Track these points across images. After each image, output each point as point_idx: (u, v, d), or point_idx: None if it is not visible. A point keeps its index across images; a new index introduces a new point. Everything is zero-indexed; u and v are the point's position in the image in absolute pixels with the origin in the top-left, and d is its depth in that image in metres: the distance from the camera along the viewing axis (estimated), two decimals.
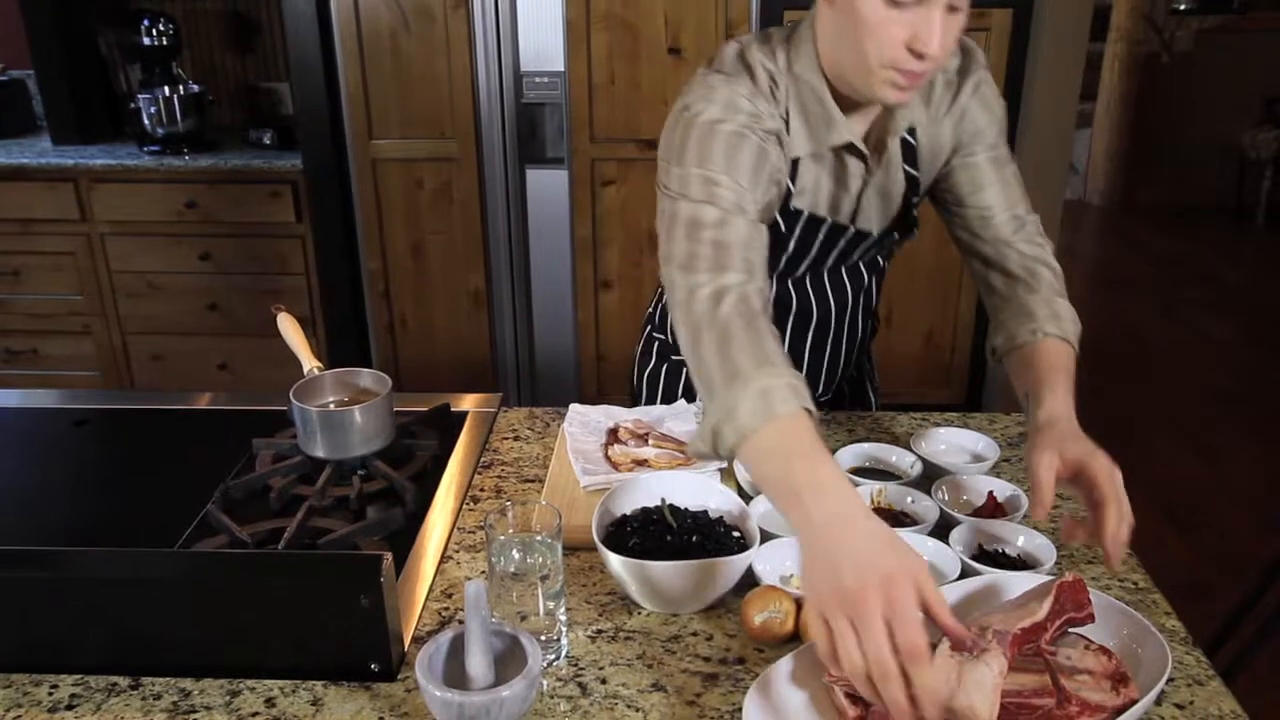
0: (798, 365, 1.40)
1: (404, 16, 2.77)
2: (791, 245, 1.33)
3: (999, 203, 1.31)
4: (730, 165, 1.14)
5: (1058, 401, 1.15)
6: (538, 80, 2.81)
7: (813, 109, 1.21)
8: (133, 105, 3.22)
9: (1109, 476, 1.04)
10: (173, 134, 3.16)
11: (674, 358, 1.56)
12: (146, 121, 3.16)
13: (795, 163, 1.24)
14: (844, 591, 0.82)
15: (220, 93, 3.57)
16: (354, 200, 2.97)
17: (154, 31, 3.23)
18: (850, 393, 1.64)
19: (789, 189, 1.26)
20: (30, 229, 3.18)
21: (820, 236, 1.32)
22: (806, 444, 0.95)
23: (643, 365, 1.63)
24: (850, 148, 1.24)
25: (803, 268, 1.38)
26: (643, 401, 1.62)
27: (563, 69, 2.78)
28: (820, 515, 0.89)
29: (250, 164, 3.07)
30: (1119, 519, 1.03)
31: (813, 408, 0.99)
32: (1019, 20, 2.77)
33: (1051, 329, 1.24)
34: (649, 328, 1.63)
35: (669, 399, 1.58)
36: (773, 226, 1.28)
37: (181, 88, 3.23)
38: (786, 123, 1.21)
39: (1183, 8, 6.04)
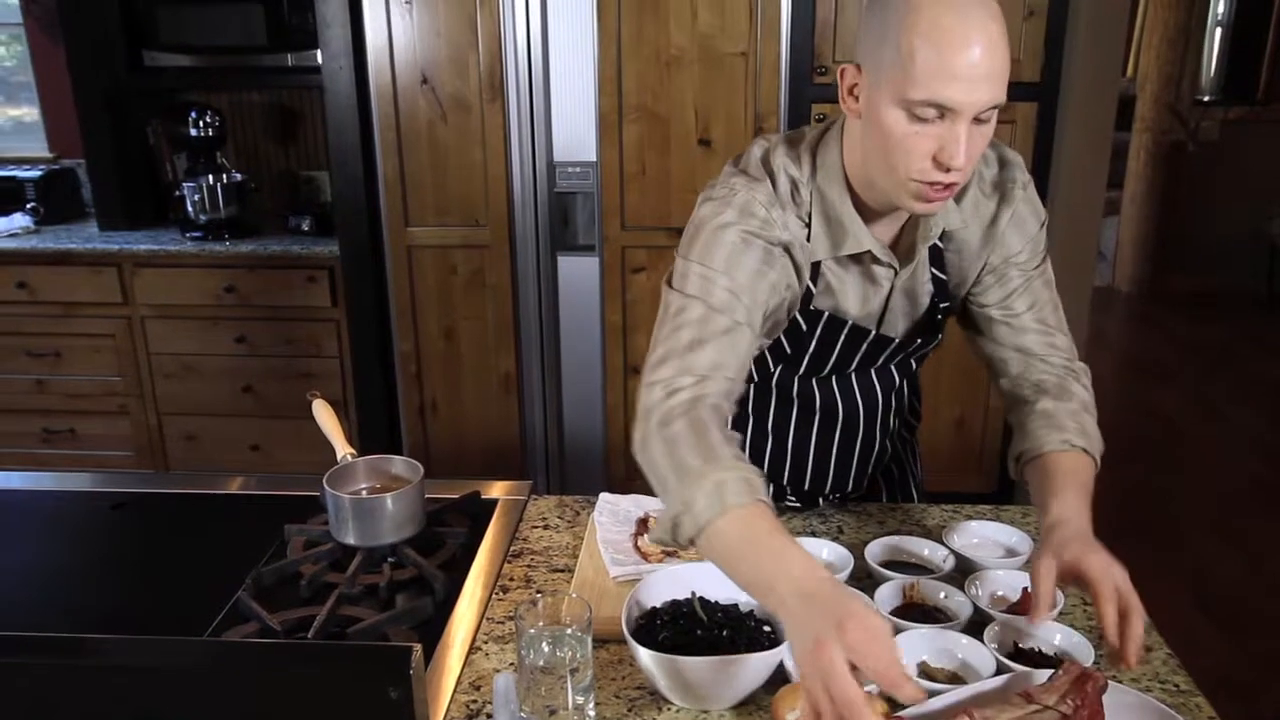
0: (823, 463, 1.42)
1: (441, 108, 2.86)
2: (813, 345, 1.32)
3: (1029, 317, 1.31)
4: (731, 267, 1.17)
5: (1066, 505, 1.15)
6: (570, 170, 2.87)
7: (833, 216, 1.22)
8: (177, 193, 3.33)
9: (1105, 573, 1.05)
10: (215, 220, 3.26)
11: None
12: (190, 208, 3.26)
13: (817, 265, 1.25)
14: (812, 650, 0.88)
15: (262, 180, 3.68)
16: (388, 285, 3.03)
17: (201, 123, 3.35)
18: (888, 490, 1.62)
19: (810, 290, 1.26)
20: (73, 311, 3.26)
21: (842, 338, 1.32)
22: (765, 532, 0.99)
23: None
24: (870, 255, 1.24)
25: (828, 368, 1.37)
26: None
27: (595, 159, 2.85)
28: (793, 598, 0.94)
29: (289, 250, 3.15)
30: (1117, 611, 1.03)
31: (767, 499, 1.04)
32: (1044, 113, 2.82)
33: (1079, 442, 1.23)
34: None
35: None
36: (794, 326, 1.29)
37: (225, 176, 3.33)
38: (809, 227, 1.23)
39: (1207, 99, 6.11)
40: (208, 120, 3.36)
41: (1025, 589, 1.26)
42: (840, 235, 1.22)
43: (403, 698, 0.96)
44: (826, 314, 1.29)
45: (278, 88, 3.60)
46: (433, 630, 1.24)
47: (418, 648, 0.98)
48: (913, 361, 1.45)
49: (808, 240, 1.23)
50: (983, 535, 1.42)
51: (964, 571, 1.31)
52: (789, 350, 1.34)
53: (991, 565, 1.32)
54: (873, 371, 1.41)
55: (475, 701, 1.12)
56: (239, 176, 3.38)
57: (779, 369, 1.38)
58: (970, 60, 1.01)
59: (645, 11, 2.72)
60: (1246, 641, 2.83)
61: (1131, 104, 5.85)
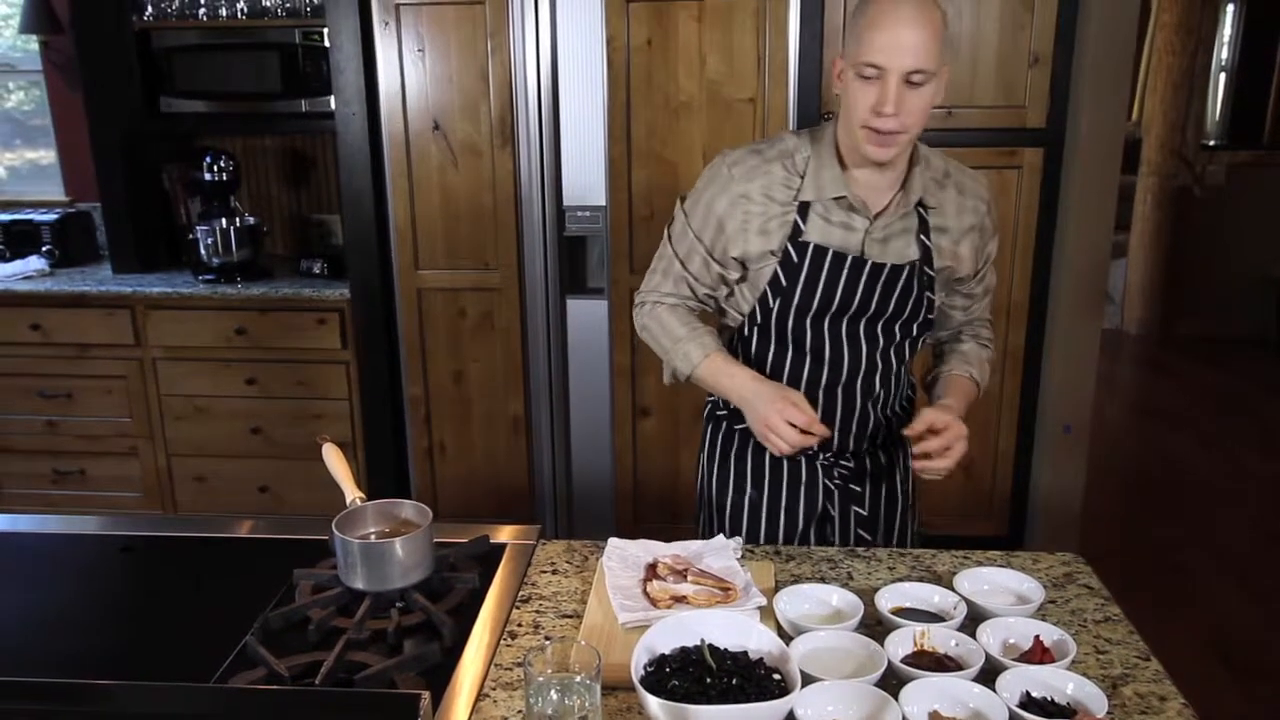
0: (812, 397, 1.68)
1: (453, 154, 2.89)
2: (804, 272, 1.59)
3: (961, 307, 1.75)
4: (704, 225, 1.64)
5: (955, 401, 1.65)
6: (579, 214, 2.90)
7: (822, 172, 1.58)
8: (191, 236, 3.36)
9: (958, 430, 1.55)
10: (227, 263, 3.29)
11: (737, 427, 1.74)
12: (203, 251, 3.29)
13: (807, 205, 1.58)
14: (760, 415, 1.54)
15: (274, 223, 3.72)
16: (398, 328, 3.05)
17: (215, 168, 3.39)
18: (888, 497, 1.74)
19: (799, 227, 1.59)
20: (86, 353, 3.29)
21: (827, 262, 1.58)
22: (727, 365, 1.63)
23: (703, 446, 1.82)
24: (843, 200, 1.57)
25: (816, 302, 1.60)
26: (703, 478, 1.80)
27: (604, 203, 2.87)
28: (741, 393, 1.59)
29: (300, 293, 3.17)
30: (941, 445, 1.53)
31: (720, 349, 1.66)
32: (1050, 158, 2.84)
33: (977, 376, 1.74)
34: (709, 408, 1.82)
35: (725, 467, 1.76)
36: (786, 258, 1.59)
37: (238, 220, 3.37)
38: (803, 178, 1.59)
39: (1213, 143, 6.14)
40: (221, 165, 3.39)
41: (1037, 637, 1.25)
42: (824, 183, 1.58)
43: None
44: (812, 245, 1.59)
45: (291, 133, 3.64)
46: (440, 677, 1.23)
47: (425, 695, 0.98)
48: (897, 330, 1.64)
49: (799, 188, 1.59)
50: (994, 581, 1.41)
51: (974, 618, 1.30)
52: (784, 282, 1.60)
53: (1003, 612, 1.32)
54: (860, 326, 1.63)
55: None
56: (251, 220, 3.41)
57: (777, 304, 1.62)
58: (896, 35, 1.41)
59: (654, 58, 2.76)
60: (1263, 692, 2.79)
61: (1137, 148, 5.88)
